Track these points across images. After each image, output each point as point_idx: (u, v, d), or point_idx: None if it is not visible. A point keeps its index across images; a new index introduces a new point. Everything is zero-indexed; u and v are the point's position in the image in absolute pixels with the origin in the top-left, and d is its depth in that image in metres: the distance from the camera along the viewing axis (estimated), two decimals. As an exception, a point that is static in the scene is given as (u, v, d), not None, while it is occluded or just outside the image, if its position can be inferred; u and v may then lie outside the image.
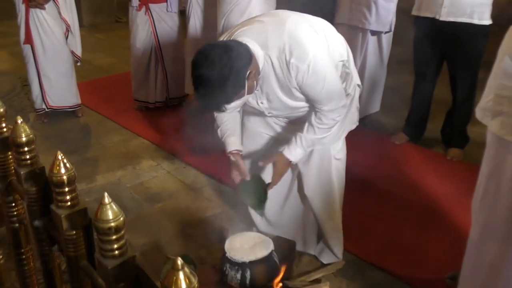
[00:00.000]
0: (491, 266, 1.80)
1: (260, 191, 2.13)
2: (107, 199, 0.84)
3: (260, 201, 2.13)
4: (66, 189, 0.99)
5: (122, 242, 0.87)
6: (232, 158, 2.11)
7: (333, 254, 2.39)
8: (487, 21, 3.08)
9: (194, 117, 4.06)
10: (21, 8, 3.76)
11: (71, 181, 0.99)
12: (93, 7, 7.24)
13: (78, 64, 4.13)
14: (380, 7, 3.52)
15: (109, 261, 0.86)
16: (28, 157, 1.16)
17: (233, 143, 2.11)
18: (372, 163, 3.28)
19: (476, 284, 1.87)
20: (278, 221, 2.42)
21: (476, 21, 3.04)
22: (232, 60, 1.71)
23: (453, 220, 2.75)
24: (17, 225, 1.40)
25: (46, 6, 3.74)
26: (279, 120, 2.22)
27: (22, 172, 1.15)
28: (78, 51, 4.04)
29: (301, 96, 1.96)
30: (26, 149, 1.15)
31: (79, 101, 4.18)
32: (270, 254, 1.95)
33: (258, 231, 2.37)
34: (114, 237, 0.85)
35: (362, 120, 3.88)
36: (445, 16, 3.14)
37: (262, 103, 2.03)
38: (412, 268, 2.39)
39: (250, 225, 2.47)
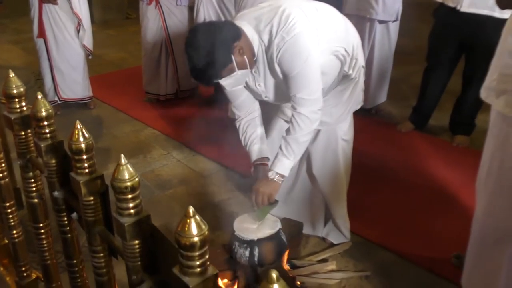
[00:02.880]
0: (496, 242, 1.85)
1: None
2: (123, 160, 0.91)
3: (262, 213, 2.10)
4: (84, 156, 1.06)
5: (137, 201, 0.93)
6: (253, 171, 2.13)
7: (341, 234, 2.45)
8: (508, 15, 3.05)
9: (205, 108, 4.15)
10: (34, 3, 3.84)
11: (89, 149, 1.05)
12: (103, 4, 7.33)
13: (90, 57, 4.22)
14: (387, -4, 3.56)
15: (125, 219, 0.93)
16: (47, 131, 1.22)
17: (255, 152, 2.13)
18: (379, 150, 3.34)
19: (482, 261, 1.92)
20: (287, 203, 2.48)
21: (497, 14, 2.95)
22: (214, 34, 1.83)
23: (459, 203, 2.81)
24: (36, 200, 1.48)
25: (59, 1, 3.81)
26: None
27: (42, 145, 1.22)
28: (90, 45, 4.12)
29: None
30: (46, 123, 1.22)
31: (91, 94, 4.27)
32: (278, 232, 2.02)
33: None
34: (130, 196, 0.92)
35: (369, 110, 3.95)
36: (466, 7, 3.10)
37: (259, 85, 2.07)
38: (418, 249, 2.44)
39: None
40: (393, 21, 3.73)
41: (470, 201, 2.35)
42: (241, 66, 1.91)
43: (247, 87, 2.11)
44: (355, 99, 2.23)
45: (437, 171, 3.18)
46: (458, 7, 3.14)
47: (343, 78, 2.17)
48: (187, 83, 4.33)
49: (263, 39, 1.93)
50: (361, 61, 2.20)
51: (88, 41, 4.08)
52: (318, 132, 2.21)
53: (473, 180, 1.96)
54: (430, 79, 3.59)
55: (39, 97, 1.22)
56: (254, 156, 2.12)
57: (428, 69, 3.60)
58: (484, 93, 1.85)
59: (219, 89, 4.19)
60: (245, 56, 1.90)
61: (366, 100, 2.52)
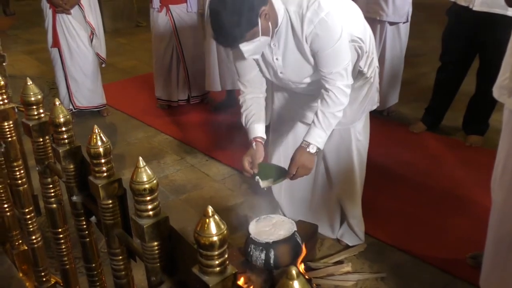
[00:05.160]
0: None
1: (274, 169, 2.14)
2: (141, 163, 0.92)
3: (269, 175, 2.10)
4: (103, 160, 1.08)
5: (155, 203, 0.95)
6: (254, 145, 2.11)
7: (355, 236, 2.45)
8: None
9: (217, 112, 4.18)
10: (48, 13, 3.91)
11: (107, 153, 1.07)
12: (114, 13, 7.41)
13: (103, 65, 4.27)
14: (397, -2, 3.56)
15: (144, 221, 0.94)
16: (65, 136, 1.25)
17: (256, 130, 2.12)
18: (391, 151, 3.33)
19: (499, 261, 1.90)
20: (302, 205, 2.49)
21: (510, 12, 2.93)
22: None
23: (473, 203, 2.79)
24: (54, 205, 1.50)
25: (72, 10, 3.88)
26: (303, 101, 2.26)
27: (60, 151, 1.24)
28: (103, 53, 4.18)
29: (313, 60, 1.98)
30: (63, 129, 1.24)
31: (105, 101, 4.32)
32: (293, 235, 2.02)
33: (282, 215, 2.45)
34: (148, 198, 0.93)
35: (381, 112, 3.95)
36: (478, 6, 3.09)
37: (277, 59, 2.04)
38: (433, 249, 2.43)
39: (275, 210, 2.55)
40: (404, 23, 3.73)
41: (485, 201, 2.34)
42: (265, 32, 1.88)
43: (263, 61, 2.08)
44: (370, 99, 2.24)
45: (451, 171, 3.16)
46: (470, 6, 3.13)
47: (358, 75, 2.15)
48: (198, 88, 4.37)
49: (290, 11, 1.92)
50: (376, 61, 2.21)
51: (102, 49, 4.14)
52: (332, 131, 2.21)
53: (487, 179, 1.95)
54: (444, 79, 3.58)
55: (57, 103, 1.24)
56: (256, 133, 2.11)
57: (442, 68, 3.59)
58: (497, 92, 1.85)
59: (231, 94, 4.22)
60: (269, 23, 1.89)
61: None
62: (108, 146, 1.07)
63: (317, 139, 1.99)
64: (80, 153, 1.27)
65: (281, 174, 2.12)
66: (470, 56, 3.42)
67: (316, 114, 1.99)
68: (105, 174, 1.09)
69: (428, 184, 3.02)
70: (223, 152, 3.50)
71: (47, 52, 4.12)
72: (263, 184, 2.07)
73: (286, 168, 2.08)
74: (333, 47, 1.90)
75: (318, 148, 2.00)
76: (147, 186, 0.92)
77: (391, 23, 3.70)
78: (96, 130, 1.08)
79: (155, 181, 0.93)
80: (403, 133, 3.73)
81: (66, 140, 1.25)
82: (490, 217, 1.93)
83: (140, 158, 0.93)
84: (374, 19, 3.66)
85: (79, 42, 3.99)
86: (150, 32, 4.36)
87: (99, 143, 1.07)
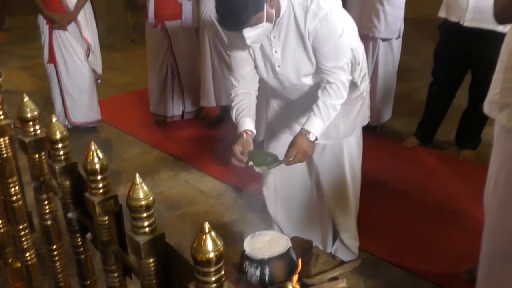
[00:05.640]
0: (505, 255, 1.85)
1: (266, 155, 2.13)
2: (138, 179, 0.93)
3: (262, 161, 2.07)
4: (99, 177, 1.08)
5: (152, 220, 0.96)
6: (244, 136, 2.07)
7: (349, 250, 2.45)
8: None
9: (212, 128, 4.20)
10: (44, 29, 3.93)
11: (103, 169, 1.08)
12: (109, 28, 7.45)
13: (99, 81, 4.29)
14: (389, 15, 3.60)
15: (140, 237, 0.95)
16: (62, 152, 1.25)
17: (247, 124, 2.10)
18: (385, 165, 3.35)
19: (493, 274, 1.91)
20: (296, 221, 2.50)
21: (500, 28, 2.87)
22: None
23: (467, 217, 2.80)
24: (49, 222, 1.50)
25: (68, 26, 3.89)
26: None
27: (56, 167, 1.25)
28: (99, 69, 4.19)
29: (312, 56, 2.00)
30: (60, 145, 1.24)
31: (100, 117, 4.32)
32: (288, 251, 2.02)
33: (277, 231, 2.45)
34: (144, 214, 0.94)
35: (375, 127, 3.98)
36: (469, 21, 3.13)
37: (276, 51, 2.05)
38: (428, 264, 2.44)
39: (269, 226, 2.55)
40: (396, 39, 3.78)
41: (479, 215, 2.35)
42: (269, 19, 1.91)
43: (262, 53, 2.09)
44: (362, 115, 2.26)
45: (444, 185, 3.19)
46: (461, 22, 3.18)
47: (353, 87, 2.16)
48: (193, 104, 4.39)
49: (293, 2, 1.95)
50: (368, 77, 2.24)
51: (98, 65, 4.16)
52: (324, 146, 2.23)
53: (480, 193, 1.96)
54: (436, 94, 3.62)
55: (54, 120, 1.25)
56: (246, 126, 2.08)
57: (434, 83, 3.64)
58: (487, 107, 1.88)
59: (225, 109, 4.23)
60: (273, 10, 1.92)
61: (371, 117, 2.55)
62: (104, 162, 1.08)
63: (316, 128, 1.99)
64: (76, 170, 1.27)
65: (273, 159, 2.10)
66: (461, 71, 3.46)
67: (316, 104, 2.00)
68: (101, 190, 1.09)
69: (422, 199, 3.04)
70: (217, 168, 3.50)
71: (43, 68, 4.13)
72: (257, 169, 2.04)
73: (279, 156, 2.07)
74: (336, 42, 1.94)
75: (316, 138, 2.00)
76: (143, 202, 0.93)
77: (384, 39, 3.74)
78: (93, 147, 1.08)
79: (151, 198, 0.94)
80: (397, 147, 3.76)
81: (63, 157, 1.26)
82: (484, 231, 1.94)
83: (137, 175, 0.94)
84: (367, 36, 3.70)
85: (76, 58, 4.00)
86: (145, 48, 4.39)
87: (96, 159, 1.07)
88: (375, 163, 3.21)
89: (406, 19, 3.80)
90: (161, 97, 4.34)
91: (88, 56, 4.06)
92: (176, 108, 4.38)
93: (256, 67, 2.15)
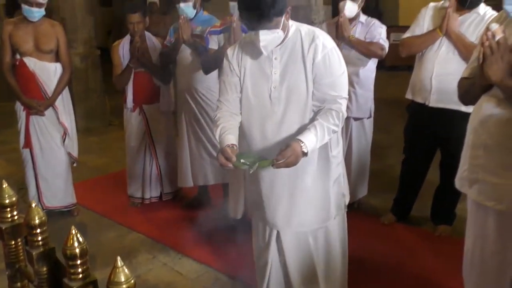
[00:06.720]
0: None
1: (254, 155, 2.13)
2: (119, 263, 0.93)
3: (255, 159, 2.08)
4: (79, 261, 1.08)
5: (133, 303, 0.95)
6: (228, 150, 2.08)
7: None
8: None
9: (190, 209, 4.18)
10: (21, 115, 3.95)
11: (83, 254, 1.08)
12: (86, 112, 7.53)
13: (74, 165, 4.27)
14: (359, 96, 3.77)
15: (122, 323, 0.93)
16: (40, 238, 1.24)
17: (231, 140, 2.14)
18: (365, 242, 3.34)
19: None
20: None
21: (464, 108, 2.93)
22: None
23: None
24: (23, 312, 1.45)
25: (46, 112, 3.92)
26: None
27: (34, 253, 1.23)
28: (75, 153, 4.19)
29: (310, 85, 2.10)
30: (38, 230, 1.24)
31: (75, 201, 4.26)
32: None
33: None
34: (126, 299, 0.93)
35: (352, 204, 4.01)
36: (434, 102, 3.27)
37: (275, 72, 2.15)
38: None
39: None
40: (367, 118, 3.93)
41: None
42: (283, 28, 2.06)
43: (260, 73, 2.18)
44: (333, 202, 2.32)
45: (423, 261, 3.19)
46: (426, 103, 3.33)
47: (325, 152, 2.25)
48: (170, 185, 4.39)
49: (301, 30, 2.12)
50: (341, 147, 2.32)
51: (74, 149, 4.16)
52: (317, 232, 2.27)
53: (458, 269, 1.98)
54: (408, 171, 3.72)
55: (33, 205, 1.25)
56: (230, 141, 2.12)
57: (406, 161, 3.74)
58: (458, 183, 1.95)
59: (203, 190, 4.24)
60: (288, 23, 2.08)
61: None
62: (84, 246, 1.08)
63: (309, 143, 2.04)
64: (54, 255, 1.26)
65: (263, 159, 2.10)
66: (431, 149, 3.58)
67: (314, 123, 2.08)
68: (80, 275, 1.08)
69: (403, 275, 3.02)
70: (196, 249, 3.45)
71: (16, 153, 4.10)
72: (245, 166, 2.05)
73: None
74: (341, 76, 2.11)
75: (307, 152, 2.04)
76: (124, 286, 0.93)
77: (356, 119, 3.89)
78: (73, 231, 1.09)
79: (132, 281, 0.94)
80: (374, 224, 3.78)
81: (41, 242, 1.24)
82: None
83: (118, 258, 0.94)
84: (340, 116, 3.84)
85: (52, 143, 4.01)
86: (123, 130, 4.45)
87: (76, 243, 1.07)
88: (355, 240, 3.19)
89: (378, 99, 3.98)
90: (138, 179, 4.34)
91: (64, 140, 4.07)
92: (154, 190, 4.37)
93: (243, 92, 2.23)
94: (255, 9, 1.96)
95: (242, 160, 2.06)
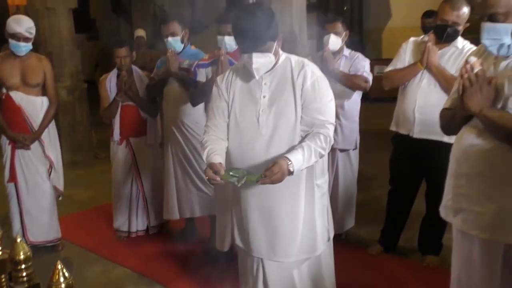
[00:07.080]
0: None
1: (241, 170, 2.14)
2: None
3: (243, 174, 2.11)
4: (64, 297, 1.07)
5: None
6: (216, 164, 2.13)
7: None
8: None
9: (176, 242, 4.13)
10: (7, 149, 3.92)
11: (69, 289, 1.07)
12: (72, 145, 7.49)
13: (60, 198, 4.23)
14: (345, 128, 3.81)
15: None
16: (25, 274, 1.23)
17: (218, 160, 2.16)
18: (353, 274, 3.34)
19: None
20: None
21: (446, 139, 2.97)
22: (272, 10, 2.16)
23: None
24: None
25: (31, 145, 3.90)
26: None
27: (18, 289, 1.22)
28: (61, 186, 4.15)
29: (299, 110, 2.15)
30: (23, 266, 1.23)
31: (60, 235, 4.19)
32: None
33: None
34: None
35: (339, 235, 4.01)
36: (418, 133, 3.33)
37: (264, 96, 2.20)
38: None
39: None
40: (353, 149, 3.97)
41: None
42: (275, 54, 2.15)
43: (249, 97, 2.23)
44: (320, 233, 2.32)
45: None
46: (410, 134, 3.39)
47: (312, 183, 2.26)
48: (157, 218, 4.35)
49: (291, 59, 2.20)
50: (327, 178, 2.34)
51: (59, 182, 4.13)
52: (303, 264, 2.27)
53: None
54: (395, 202, 3.74)
55: (18, 240, 1.24)
56: (217, 160, 2.15)
57: (392, 192, 3.77)
58: (443, 212, 1.97)
59: (190, 222, 4.21)
60: (279, 50, 2.18)
61: (335, 225, 2.60)
62: (70, 282, 1.08)
63: (296, 162, 2.07)
64: (38, 291, 1.24)
65: (249, 173, 2.12)
66: (417, 179, 3.62)
67: (302, 144, 2.11)
68: (66, 311, 1.07)
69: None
70: (183, 283, 3.41)
71: (1, 186, 4.05)
72: (233, 179, 2.08)
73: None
74: (329, 102, 2.17)
75: (293, 171, 2.07)
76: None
77: (342, 150, 3.92)
78: (59, 266, 1.08)
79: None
80: (362, 255, 3.77)
81: (25, 278, 1.23)
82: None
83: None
84: (326, 147, 3.87)
85: (37, 177, 3.97)
86: (109, 163, 4.43)
87: (62, 279, 1.07)
88: (343, 272, 3.19)
89: (363, 131, 4.03)
90: (124, 212, 4.30)
91: (50, 174, 4.04)
92: (141, 223, 4.33)
93: (231, 116, 2.27)
94: (250, 31, 2.06)
95: (231, 173, 2.11)
